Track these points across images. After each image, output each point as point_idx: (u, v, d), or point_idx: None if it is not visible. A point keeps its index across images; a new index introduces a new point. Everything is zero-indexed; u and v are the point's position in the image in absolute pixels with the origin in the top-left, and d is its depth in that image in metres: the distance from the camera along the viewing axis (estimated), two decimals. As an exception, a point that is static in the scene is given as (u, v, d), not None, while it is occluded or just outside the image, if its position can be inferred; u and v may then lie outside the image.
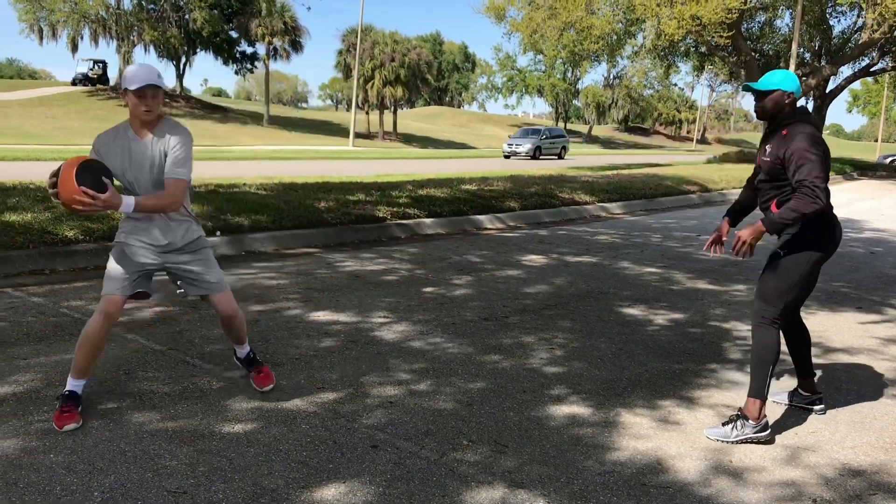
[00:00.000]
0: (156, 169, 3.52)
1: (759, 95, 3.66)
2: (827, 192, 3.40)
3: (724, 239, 3.94)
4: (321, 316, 5.39)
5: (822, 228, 3.60)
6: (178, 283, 3.77)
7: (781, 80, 3.60)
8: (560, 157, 41.02)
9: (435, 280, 6.86)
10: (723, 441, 3.59)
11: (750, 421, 3.59)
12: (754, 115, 3.80)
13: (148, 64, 3.56)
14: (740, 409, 3.67)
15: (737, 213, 4.00)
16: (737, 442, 3.57)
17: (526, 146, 39.25)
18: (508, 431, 3.54)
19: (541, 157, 39.35)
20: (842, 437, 3.73)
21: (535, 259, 8.26)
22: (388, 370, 4.32)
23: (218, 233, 7.74)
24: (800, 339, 4.00)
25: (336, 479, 2.99)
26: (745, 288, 7.22)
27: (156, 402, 3.67)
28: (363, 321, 5.32)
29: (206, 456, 3.12)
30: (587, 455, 3.34)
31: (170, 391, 3.81)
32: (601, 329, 5.48)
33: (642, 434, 3.61)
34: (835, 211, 3.66)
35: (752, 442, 3.57)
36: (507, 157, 39.11)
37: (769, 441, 3.60)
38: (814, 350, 5.01)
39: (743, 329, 5.68)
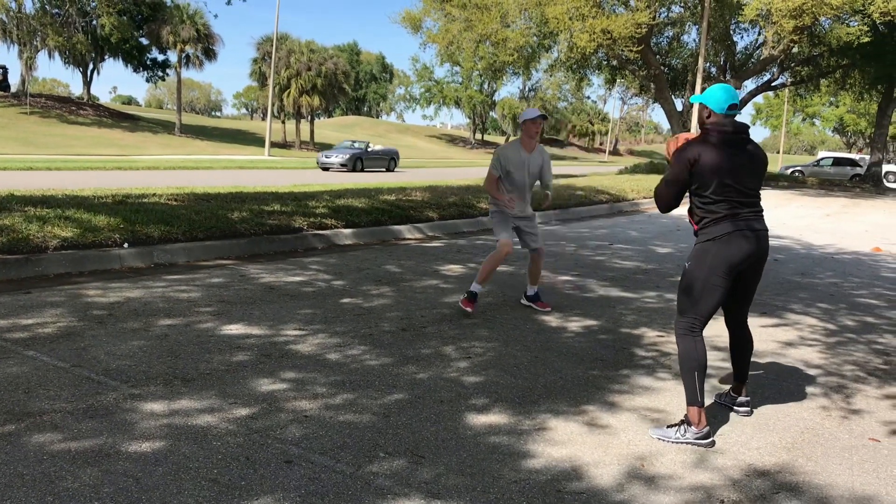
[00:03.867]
0: (533, 175, 6.30)
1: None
2: (658, 197, 3.98)
3: None
4: (234, 329, 5.27)
5: (714, 236, 3.78)
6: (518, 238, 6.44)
7: (704, 94, 3.88)
8: None
9: (353, 291, 6.80)
10: (663, 440, 3.68)
11: (693, 427, 3.69)
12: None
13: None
14: (685, 416, 3.76)
15: None
16: (677, 444, 3.68)
17: None
18: (425, 442, 3.53)
19: None
20: (747, 438, 3.86)
21: (454, 268, 8.29)
22: (303, 383, 4.25)
23: (126, 244, 7.49)
24: (740, 345, 4.19)
25: (248, 496, 2.92)
26: (656, 295, 7.42)
27: (57, 421, 3.51)
28: (278, 334, 5.22)
29: (112, 477, 3.00)
30: (503, 463, 3.35)
31: (73, 410, 3.65)
32: (517, 337, 5.53)
33: (557, 441, 3.65)
34: (742, 221, 3.81)
35: (692, 445, 3.69)
36: None
37: (710, 446, 3.71)
38: (718, 354, 5.19)
39: (653, 335, 5.83)
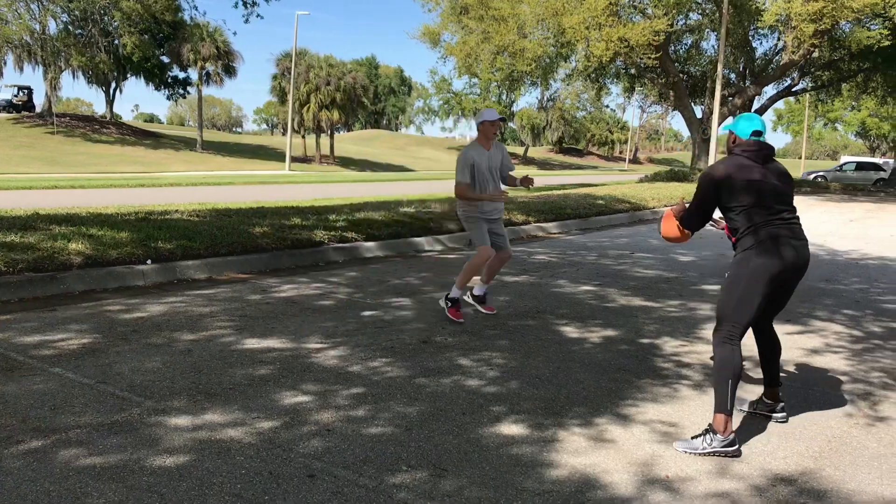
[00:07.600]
0: (497, 169, 6.31)
1: None
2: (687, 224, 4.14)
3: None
4: (256, 343, 5.30)
5: (752, 244, 3.79)
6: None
7: (732, 122, 4.07)
8: None
9: (373, 303, 6.81)
10: (691, 453, 3.65)
11: (718, 435, 3.66)
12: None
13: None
14: (710, 424, 3.73)
15: None
16: (704, 455, 3.64)
17: None
18: (447, 455, 3.53)
19: None
20: (773, 447, 3.82)
21: (474, 280, 8.27)
22: (325, 396, 4.26)
23: (148, 261, 7.56)
24: (770, 350, 4.20)
25: (272, 510, 2.93)
26: (678, 304, 7.37)
27: (83, 437, 3.54)
28: (299, 347, 5.24)
29: (136, 492, 3.02)
30: (526, 475, 3.34)
31: (98, 425, 3.68)
32: (539, 348, 5.51)
33: (580, 451, 3.63)
34: (780, 229, 3.82)
35: (719, 455, 3.64)
36: None
37: (736, 455, 3.67)
38: (744, 364, 5.12)
39: (675, 344, 5.79)
